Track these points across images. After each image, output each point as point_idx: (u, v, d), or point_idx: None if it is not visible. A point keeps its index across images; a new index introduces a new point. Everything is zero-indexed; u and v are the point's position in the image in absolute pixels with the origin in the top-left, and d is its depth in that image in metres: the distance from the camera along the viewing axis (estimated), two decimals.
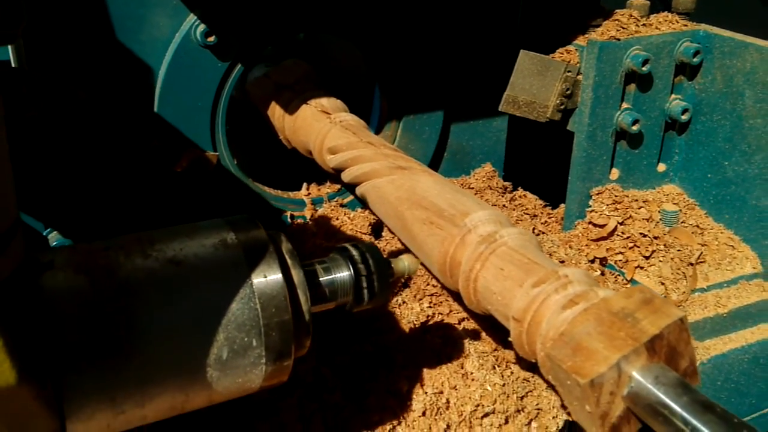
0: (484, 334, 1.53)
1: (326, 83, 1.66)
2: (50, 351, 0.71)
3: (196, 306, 0.79)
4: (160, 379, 0.77)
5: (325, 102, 1.46)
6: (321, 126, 1.36)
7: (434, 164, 1.78)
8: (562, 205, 1.72)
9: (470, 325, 1.55)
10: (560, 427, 1.51)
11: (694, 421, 0.69)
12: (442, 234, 0.97)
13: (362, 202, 1.30)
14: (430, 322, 1.53)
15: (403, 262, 0.99)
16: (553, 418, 1.50)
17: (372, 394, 1.38)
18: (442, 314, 1.55)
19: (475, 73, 1.77)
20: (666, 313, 0.75)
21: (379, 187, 1.16)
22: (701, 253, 1.50)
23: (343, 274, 0.95)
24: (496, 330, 1.54)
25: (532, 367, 1.48)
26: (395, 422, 1.37)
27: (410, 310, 1.54)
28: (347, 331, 1.49)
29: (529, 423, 1.47)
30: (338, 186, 1.71)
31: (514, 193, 1.77)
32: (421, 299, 1.56)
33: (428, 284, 1.58)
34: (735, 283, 1.50)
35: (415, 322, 1.52)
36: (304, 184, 1.72)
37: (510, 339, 0.89)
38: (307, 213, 1.61)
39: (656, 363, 0.73)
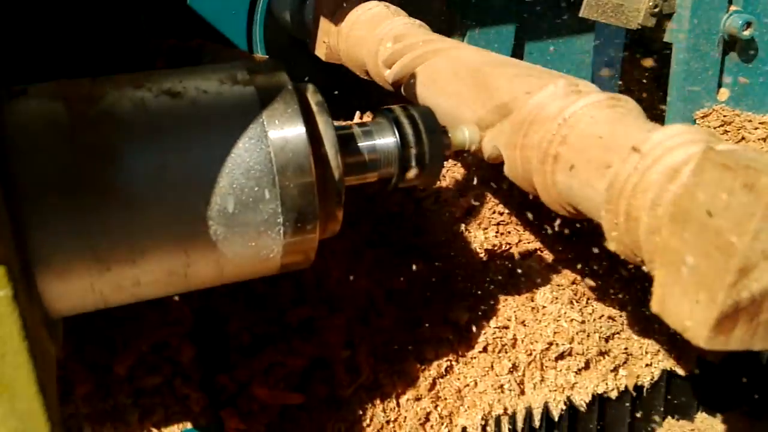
0: (560, 266, 1.33)
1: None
2: (9, 179, 0.58)
3: (194, 143, 0.64)
4: (151, 227, 0.62)
5: (402, 13, 1.28)
6: (390, 21, 1.17)
7: None
8: None
9: (544, 255, 1.35)
10: (655, 379, 1.27)
11: None
12: (537, 83, 0.75)
13: (413, 86, 1.06)
14: (496, 251, 1.34)
15: (463, 132, 0.81)
16: (647, 365, 1.27)
17: (426, 323, 1.21)
18: (510, 244, 1.35)
19: None
20: None
21: (457, 56, 0.95)
22: None
23: (387, 140, 0.78)
24: (576, 261, 1.34)
25: (618, 303, 1.27)
26: (452, 358, 1.19)
27: (474, 239, 1.35)
28: (401, 251, 1.32)
29: (616, 369, 1.25)
30: None
31: None
32: (486, 228, 1.37)
33: (494, 212, 1.39)
34: None
35: (479, 251, 1.33)
36: (357, 113, 1.58)
37: (606, 187, 0.64)
38: None
39: None
